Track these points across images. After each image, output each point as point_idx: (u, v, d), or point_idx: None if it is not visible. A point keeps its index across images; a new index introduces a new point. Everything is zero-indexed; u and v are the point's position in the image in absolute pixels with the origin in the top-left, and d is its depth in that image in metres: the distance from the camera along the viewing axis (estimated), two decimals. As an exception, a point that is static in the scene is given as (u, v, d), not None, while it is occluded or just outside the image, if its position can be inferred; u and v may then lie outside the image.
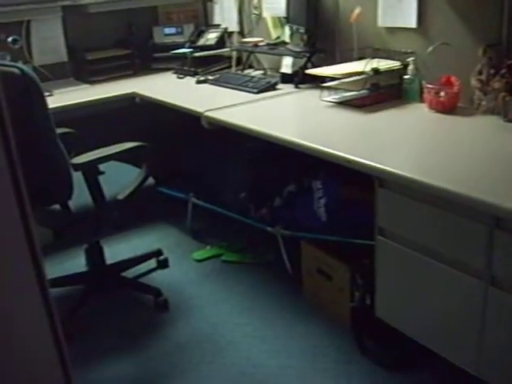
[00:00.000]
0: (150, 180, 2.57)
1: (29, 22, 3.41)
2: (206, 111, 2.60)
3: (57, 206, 2.37)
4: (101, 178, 2.40)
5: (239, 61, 3.48)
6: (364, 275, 2.14)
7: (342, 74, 2.50)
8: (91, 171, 2.32)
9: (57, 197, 2.33)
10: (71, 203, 2.36)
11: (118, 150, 2.35)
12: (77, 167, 2.26)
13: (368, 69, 2.44)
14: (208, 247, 3.09)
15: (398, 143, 2.03)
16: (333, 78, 2.58)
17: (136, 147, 2.39)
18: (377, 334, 2.18)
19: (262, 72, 3.29)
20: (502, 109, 2.13)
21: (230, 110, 2.62)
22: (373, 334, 2.20)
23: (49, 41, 3.50)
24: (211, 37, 3.53)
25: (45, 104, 2.15)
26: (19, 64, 2.17)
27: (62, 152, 2.22)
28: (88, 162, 2.27)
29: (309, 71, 2.64)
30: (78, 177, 2.29)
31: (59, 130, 2.47)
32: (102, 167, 2.43)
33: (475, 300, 1.61)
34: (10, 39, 3.40)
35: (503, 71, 2.13)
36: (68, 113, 2.93)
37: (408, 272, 1.82)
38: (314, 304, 2.53)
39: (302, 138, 2.07)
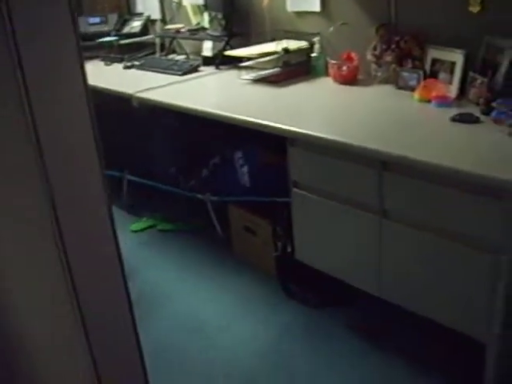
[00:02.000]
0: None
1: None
2: (137, 92, 2.84)
3: None
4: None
5: (163, 47, 3.72)
6: (283, 227, 2.46)
7: (257, 54, 2.81)
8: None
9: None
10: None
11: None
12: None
13: (279, 49, 2.76)
14: (144, 219, 3.34)
15: (305, 110, 2.35)
16: (249, 59, 2.88)
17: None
18: (299, 277, 2.51)
19: (184, 56, 3.54)
20: (394, 78, 2.49)
21: (157, 91, 2.86)
22: (296, 279, 2.53)
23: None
24: (135, 25, 3.75)
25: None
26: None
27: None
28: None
29: (227, 53, 2.93)
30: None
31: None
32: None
33: (372, 232, 1.96)
34: None
35: (393, 46, 2.50)
36: None
37: (318, 216, 2.16)
38: (244, 259, 2.84)
39: (222, 110, 2.35)
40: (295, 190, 2.21)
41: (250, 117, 2.22)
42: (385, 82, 2.55)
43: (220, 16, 3.18)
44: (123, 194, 3.46)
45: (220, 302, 2.60)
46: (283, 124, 2.09)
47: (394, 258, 1.94)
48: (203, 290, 2.69)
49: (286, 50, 2.76)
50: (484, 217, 1.62)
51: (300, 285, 2.52)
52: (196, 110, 2.48)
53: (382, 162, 1.84)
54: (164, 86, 2.95)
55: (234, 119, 2.28)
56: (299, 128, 2.03)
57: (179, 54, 3.64)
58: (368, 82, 2.61)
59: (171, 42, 3.67)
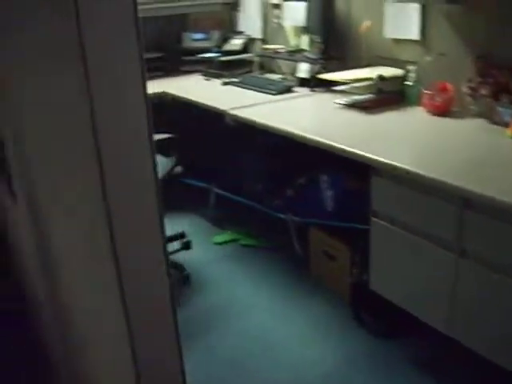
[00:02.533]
0: (178, 169, 2.91)
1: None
2: (230, 109, 2.93)
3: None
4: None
5: (261, 66, 3.81)
6: (361, 254, 2.44)
7: (351, 80, 2.82)
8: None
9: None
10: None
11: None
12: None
13: (374, 75, 2.75)
14: (228, 232, 3.42)
15: (393, 139, 2.33)
16: (343, 83, 2.90)
17: (164, 139, 2.74)
18: (371, 306, 2.49)
19: (281, 76, 3.61)
20: (489, 112, 2.43)
21: (250, 109, 2.94)
22: (368, 307, 2.51)
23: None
24: (236, 43, 3.87)
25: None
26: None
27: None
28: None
29: (321, 76, 2.95)
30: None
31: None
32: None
33: (448, 270, 1.92)
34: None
35: (490, 79, 2.43)
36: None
37: (395, 247, 2.13)
38: (320, 281, 2.85)
39: (311, 133, 2.38)
40: (374, 219, 2.20)
41: (338, 142, 2.23)
42: (479, 115, 2.49)
43: (318, 39, 3.22)
44: (209, 205, 3.56)
45: (292, 322, 2.62)
46: (368, 152, 2.09)
47: (467, 299, 1.89)
48: (277, 308, 2.72)
49: (380, 77, 2.75)
50: None
51: (372, 313, 2.49)
52: (284, 131, 2.52)
53: (464, 199, 1.79)
54: (258, 104, 3.03)
55: (321, 143, 2.31)
56: (384, 158, 2.03)
57: (276, 74, 3.71)
58: (461, 114, 2.56)
59: (269, 62, 3.75)
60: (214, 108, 3.05)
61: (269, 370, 2.33)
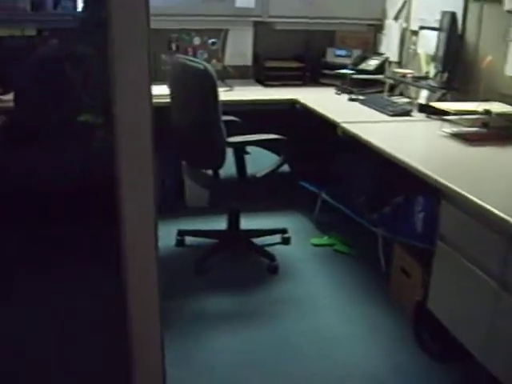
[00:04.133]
0: (285, 169, 3.21)
1: (227, 30, 4.23)
2: (343, 122, 3.16)
3: (210, 172, 3.11)
4: (247, 158, 3.11)
5: (392, 87, 3.97)
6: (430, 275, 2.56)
7: (459, 111, 2.91)
8: (239, 150, 3.02)
9: (212, 163, 3.07)
10: (221, 172, 3.08)
11: (261, 138, 3.04)
12: (229, 144, 2.97)
13: (480, 109, 2.83)
14: (325, 237, 3.65)
15: (478, 172, 2.40)
16: (453, 113, 3.00)
17: (275, 139, 3.05)
18: (431, 327, 2.58)
19: (406, 100, 3.74)
20: None
21: (362, 125, 3.12)
22: (429, 327, 2.61)
23: (239, 47, 4.31)
24: (372, 63, 4.07)
25: (216, 96, 2.87)
26: (204, 62, 2.91)
27: (221, 132, 2.92)
28: (238, 142, 2.98)
29: (432, 104, 3.07)
30: (229, 152, 3.00)
31: (227, 117, 3.23)
32: (249, 149, 3.13)
33: (490, 299, 2.01)
34: (210, 41, 4.26)
35: None
36: (239, 106, 3.69)
37: (452, 271, 2.24)
38: (395, 296, 2.98)
39: (408, 157, 2.51)
40: (440, 243, 2.32)
41: (425, 167, 2.35)
42: None
43: (442, 68, 3.33)
44: (316, 209, 3.82)
45: (355, 325, 2.80)
46: (444, 177, 2.20)
47: (504, 330, 1.96)
48: (346, 311, 2.92)
49: (486, 111, 2.82)
50: None
51: (430, 333, 2.59)
52: (381, 150, 2.68)
53: (513, 235, 1.88)
54: (370, 122, 3.22)
55: (407, 164, 2.46)
56: (457, 186, 2.12)
57: (404, 97, 3.85)
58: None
59: (401, 85, 3.90)
60: (329, 118, 3.29)
61: (320, 360, 2.54)
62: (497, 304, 1.98)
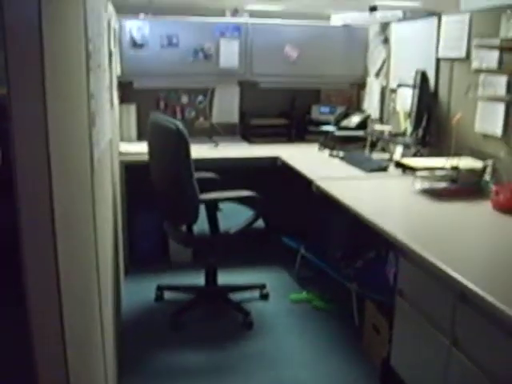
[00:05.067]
0: (260, 225, 3.24)
1: (213, 89, 4.35)
2: (318, 179, 3.19)
3: (184, 227, 3.15)
4: (224, 213, 3.14)
5: (374, 143, 4.02)
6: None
7: (427, 167, 2.94)
8: (211, 206, 3.06)
9: (185, 219, 3.11)
10: (195, 228, 3.11)
11: (234, 195, 3.08)
12: (202, 201, 3.01)
13: (448, 165, 2.86)
14: (304, 292, 3.64)
15: (442, 230, 2.40)
16: (424, 169, 3.03)
17: (249, 196, 3.09)
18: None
19: (384, 157, 3.78)
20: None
21: (336, 182, 3.14)
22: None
23: (226, 105, 4.43)
24: (354, 120, 4.14)
25: (188, 154, 2.92)
26: (177, 122, 2.97)
27: (194, 188, 2.98)
28: (210, 199, 3.02)
29: (401, 161, 3.11)
30: (202, 209, 3.05)
31: (202, 174, 3.29)
32: (227, 205, 3.19)
33: (442, 355, 1.98)
34: (197, 100, 4.38)
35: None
36: (222, 162, 3.77)
37: (410, 327, 2.23)
38: (367, 354, 2.94)
39: (368, 213, 2.51)
40: (398, 298, 2.31)
41: (389, 224, 2.35)
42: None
43: (417, 125, 3.38)
44: (296, 264, 3.82)
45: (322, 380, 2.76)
46: (403, 235, 2.21)
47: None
48: (317, 367, 2.87)
49: (453, 168, 2.85)
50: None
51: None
52: (350, 208, 2.69)
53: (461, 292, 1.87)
54: (346, 179, 3.25)
55: (371, 223, 2.46)
56: (414, 244, 2.12)
57: (385, 153, 3.90)
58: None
59: (378, 141, 3.96)
60: (305, 176, 3.33)
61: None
62: (448, 360, 1.96)
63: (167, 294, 3.58)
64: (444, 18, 3.35)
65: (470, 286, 1.78)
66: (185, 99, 4.42)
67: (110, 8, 3.20)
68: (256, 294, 3.61)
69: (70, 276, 1.29)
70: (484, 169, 2.88)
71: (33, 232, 1.13)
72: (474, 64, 3.04)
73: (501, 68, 2.83)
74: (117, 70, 3.66)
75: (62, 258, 1.19)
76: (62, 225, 1.19)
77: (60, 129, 1.24)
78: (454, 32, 3.24)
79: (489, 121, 2.94)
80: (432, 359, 2.07)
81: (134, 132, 4.24)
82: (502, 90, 2.83)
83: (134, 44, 4.01)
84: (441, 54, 3.39)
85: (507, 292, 1.75)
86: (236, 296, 3.53)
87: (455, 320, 1.92)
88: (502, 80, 2.82)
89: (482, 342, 1.80)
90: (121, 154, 3.76)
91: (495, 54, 2.85)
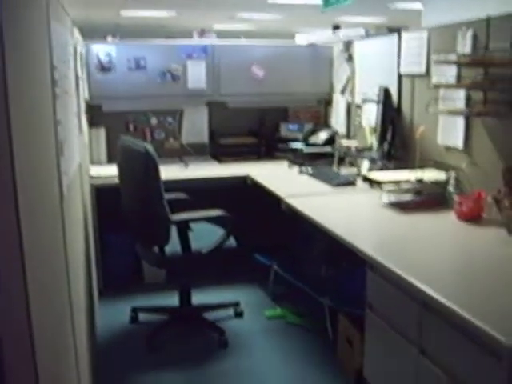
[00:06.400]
0: (231, 242, 3.27)
1: (182, 110, 4.39)
2: (287, 197, 3.23)
3: (156, 249, 3.16)
4: (195, 233, 3.17)
5: (342, 159, 4.09)
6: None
7: (392, 180, 3.02)
8: (182, 227, 3.09)
9: (157, 240, 3.12)
10: (167, 248, 3.13)
11: (204, 215, 3.11)
12: (173, 222, 3.03)
13: (412, 178, 2.94)
14: (278, 309, 3.67)
15: (406, 241, 2.47)
16: (389, 183, 3.10)
17: (219, 216, 3.12)
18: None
19: (355, 171, 3.84)
20: (510, 224, 2.49)
21: (304, 199, 3.18)
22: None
23: (195, 125, 4.47)
24: (321, 136, 4.21)
25: (157, 176, 2.95)
26: (146, 144, 3.00)
27: (165, 209, 3.00)
28: (181, 220, 3.05)
29: (368, 175, 3.17)
30: (174, 229, 3.07)
31: (173, 195, 3.32)
32: (199, 224, 3.22)
33: (412, 364, 2.03)
34: (166, 121, 4.42)
35: (513, 192, 2.52)
36: (192, 182, 3.80)
37: (380, 340, 2.27)
38: (342, 367, 2.97)
39: (335, 227, 2.56)
40: (368, 310, 2.36)
41: (356, 239, 2.40)
42: (505, 225, 2.55)
43: (381, 139, 3.46)
44: (270, 281, 3.85)
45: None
46: (374, 249, 2.27)
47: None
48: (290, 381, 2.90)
49: (418, 180, 2.92)
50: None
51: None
52: (321, 225, 2.72)
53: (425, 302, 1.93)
54: (314, 194, 3.30)
55: (338, 237, 2.51)
56: (382, 257, 2.17)
57: (353, 168, 3.96)
58: (488, 223, 2.63)
59: (345, 157, 4.03)
60: (275, 194, 3.37)
61: None
62: (417, 369, 2.01)
63: (142, 316, 3.58)
64: (404, 35, 3.45)
65: (432, 294, 1.84)
66: (154, 121, 4.45)
67: (76, 33, 3.23)
68: (231, 312, 3.63)
69: (41, 306, 1.30)
70: (447, 180, 2.96)
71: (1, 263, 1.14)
72: (434, 79, 3.14)
73: (459, 82, 2.93)
74: (85, 94, 3.68)
75: (32, 286, 1.21)
76: (30, 256, 1.21)
77: (27, 159, 1.26)
78: (413, 49, 3.34)
79: (450, 134, 3.03)
80: (403, 369, 2.12)
81: (103, 155, 4.26)
82: (461, 104, 2.92)
83: (102, 68, 4.05)
84: (402, 71, 3.48)
85: (469, 299, 1.81)
86: (211, 315, 3.55)
87: (422, 329, 1.97)
88: (461, 94, 2.91)
89: (447, 348, 1.86)
90: (91, 177, 3.77)
91: (453, 69, 2.95)
